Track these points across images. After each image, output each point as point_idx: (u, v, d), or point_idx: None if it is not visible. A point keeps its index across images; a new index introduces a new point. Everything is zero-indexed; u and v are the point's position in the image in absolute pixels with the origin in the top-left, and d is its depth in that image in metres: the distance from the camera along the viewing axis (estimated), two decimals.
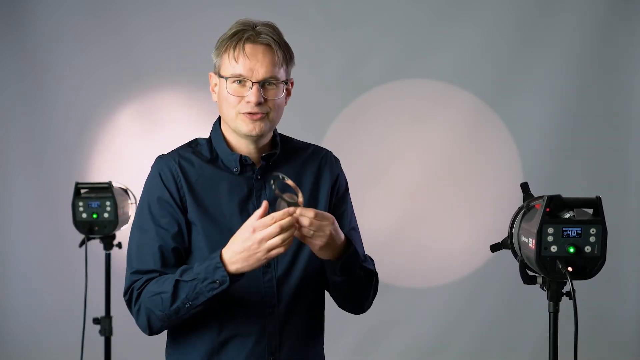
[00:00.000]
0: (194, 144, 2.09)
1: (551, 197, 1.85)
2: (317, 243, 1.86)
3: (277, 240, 1.80)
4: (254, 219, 1.82)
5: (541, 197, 1.91)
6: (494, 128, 4.58)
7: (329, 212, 2.07)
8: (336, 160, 2.17)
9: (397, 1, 4.61)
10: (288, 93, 2.05)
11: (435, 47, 4.57)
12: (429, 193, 4.60)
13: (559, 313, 1.91)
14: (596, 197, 1.86)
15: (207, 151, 2.06)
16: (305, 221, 1.83)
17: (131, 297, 1.97)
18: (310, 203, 2.05)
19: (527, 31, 4.53)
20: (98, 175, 4.56)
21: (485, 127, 4.58)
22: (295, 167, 2.10)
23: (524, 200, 2.03)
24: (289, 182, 1.87)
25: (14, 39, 4.60)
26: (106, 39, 4.60)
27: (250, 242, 1.81)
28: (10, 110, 4.65)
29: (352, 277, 1.99)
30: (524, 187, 2.06)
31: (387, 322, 4.60)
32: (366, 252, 2.11)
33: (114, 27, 4.60)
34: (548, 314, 1.92)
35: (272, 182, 1.87)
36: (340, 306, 2.12)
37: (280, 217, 1.80)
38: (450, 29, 4.56)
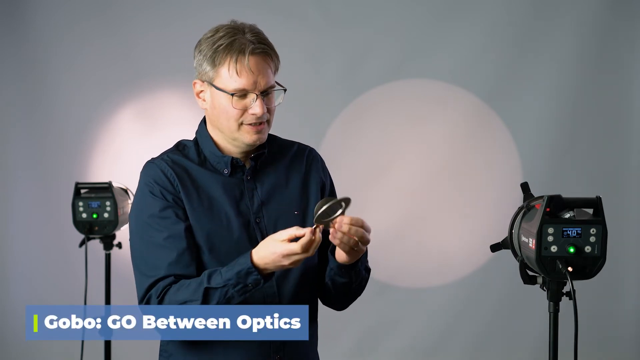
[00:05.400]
0: (180, 147, 2.07)
1: (551, 197, 1.85)
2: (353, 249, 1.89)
3: (299, 257, 1.83)
4: (284, 242, 1.83)
5: (541, 197, 1.91)
6: (494, 128, 4.57)
7: None
8: (320, 157, 2.18)
9: (396, 1, 4.61)
10: None
11: (435, 47, 4.57)
12: (429, 193, 4.60)
13: (559, 313, 1.92)
14: (596, 197, 1.86)
15: (194, 154, 2.05)
16: (345, 228, 1.84)
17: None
18: (301, 201, 2.07)
19: (527, 31, 4.53)
20: (98, 175, 4.56)
21: (485, 127, 4.58)
22: (283, 166, 2.11)
23: (524, 200, 2.03)
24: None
25: (14, 39, 4.60)
26: (106, 39, 4.61)
27: (279, 255, 1.84)
28: (10, 110, 4.64)
29: (358, 278, 2.02)
30: (524, 187, 2.06)
31: (387, 322, 4.59)
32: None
33: (114, 27, 4.60)
34: (548, 314, 1.92)
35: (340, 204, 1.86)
36: (325, 303, 2.15)
37: (306, 244, 1.81)
38: (449, 29, 4.56)
